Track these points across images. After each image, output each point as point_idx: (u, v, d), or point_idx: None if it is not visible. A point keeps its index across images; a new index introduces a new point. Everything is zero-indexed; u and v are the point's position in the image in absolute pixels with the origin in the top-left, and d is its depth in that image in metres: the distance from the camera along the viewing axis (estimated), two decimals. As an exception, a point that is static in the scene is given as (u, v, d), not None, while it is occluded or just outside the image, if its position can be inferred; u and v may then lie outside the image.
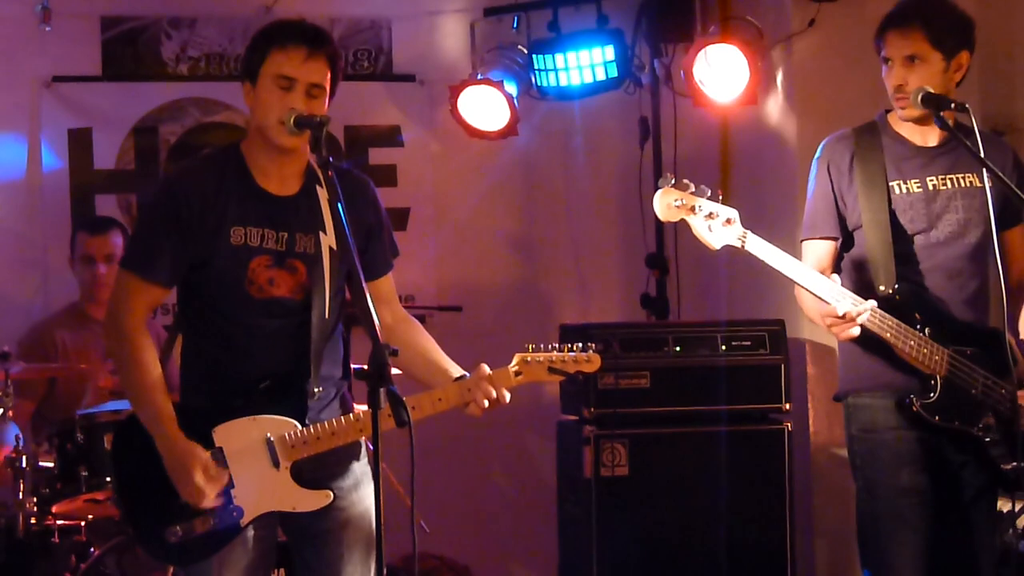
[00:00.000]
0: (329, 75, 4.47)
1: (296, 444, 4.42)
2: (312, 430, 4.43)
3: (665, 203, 4.78)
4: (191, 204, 4.48)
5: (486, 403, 4.45)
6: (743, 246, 4.81)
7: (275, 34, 4.48)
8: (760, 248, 4.82)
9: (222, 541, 4.43)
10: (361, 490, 4.54)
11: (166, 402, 4.44)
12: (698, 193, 4.77)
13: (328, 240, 4.49)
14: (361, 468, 4.57)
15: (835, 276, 4.97)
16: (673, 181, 4.80)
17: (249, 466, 4.42)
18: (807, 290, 4.89)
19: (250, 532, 4.47)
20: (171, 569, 5.88)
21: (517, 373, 4.51)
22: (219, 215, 4.45)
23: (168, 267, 4.52)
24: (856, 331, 4.90)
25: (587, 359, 4.56)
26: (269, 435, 4.41)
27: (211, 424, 4.42)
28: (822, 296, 4.87)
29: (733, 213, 4.80)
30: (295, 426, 4.43)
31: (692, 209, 4.78)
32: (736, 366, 6.97)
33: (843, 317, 4.84)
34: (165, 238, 4.51)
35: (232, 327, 4.51)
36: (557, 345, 4.57)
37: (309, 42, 4.42)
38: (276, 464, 4.42)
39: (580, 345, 4.59)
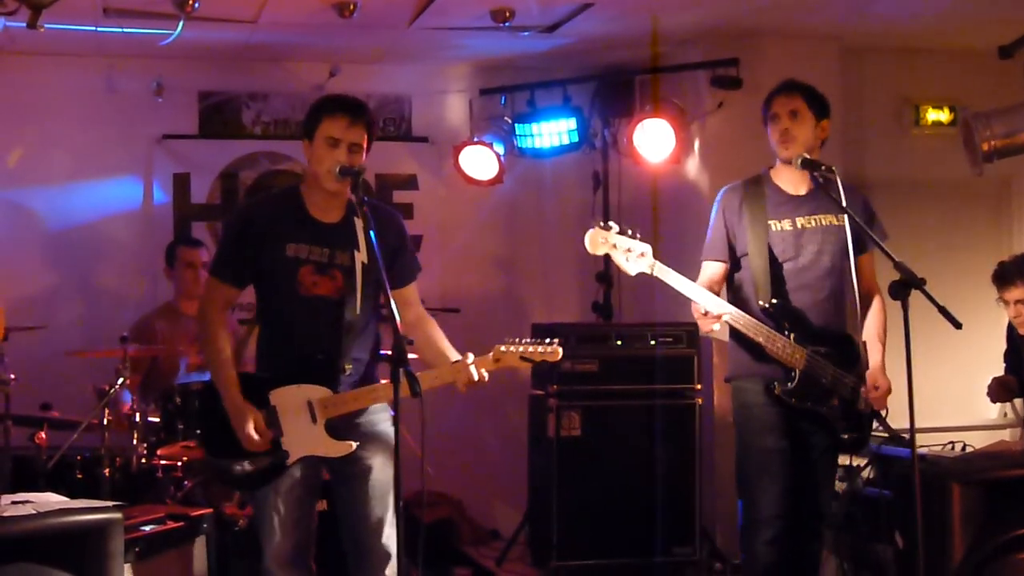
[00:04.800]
0: (366, 136, 4.52)
1: (328, 406, 4.49)
2: (340, 396, 4.51)
3: (593, 241, 4.84)
4: (257, 225, 4.60)
5: (468, 383, 4.46)
6: (652, 272, 4.88)
7: (326, 105, 4.55)
8: (665, 274, 4.89)
9: (275, 474, 4.52)
10: (381, 446, 4.56)
11: (232, 372, 4.56)
12: (620, 233, 4.83)
13: (361, 256, 4.54)
14: (383, 429, 4.59)
15: (700, 286, 5.04)
16: (601, 224, 4.86)
17: (294, 421, 4.51)
18: (695, 300, 4.96)
19: (297, 470, 4.55)
20: (236, 497, 5.95)
21: (496, 360, 4.50)
22: (278, 235, 4.54)
23: (239, 272, 4.64)
24: (717, 326, 4.99)
25: (551, 351, 4.52)
26: (309, 398, 4.50)
27: (270, 389, 4.53)
28: (705, 305, 4.94)
29: (646, 248, 4.86)
30: (328, 392, 4.51)
31: (613, 246, 4.84)
32: (661, 356, 7.00)
33: (706, 314, 4.93)
34: (236, 250, 4.64)
35: (287, 316, 4.60)
36: (529, 339, 4.52)
37: (351, 112, 4.50)
38: (314, 420, 4.50)
39: (547, 340, 4.54)
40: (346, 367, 4.55)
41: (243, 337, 5.27)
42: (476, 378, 4.46)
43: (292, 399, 4.52)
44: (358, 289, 4.56)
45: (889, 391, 5.19)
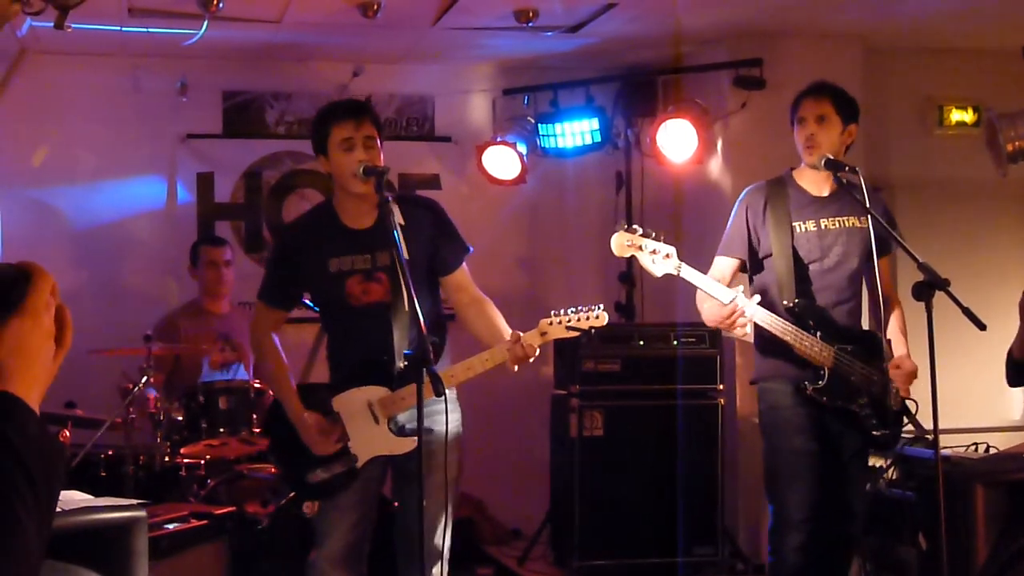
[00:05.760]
0: (375, 130, 4.57)
1: (387, 404, 4.54)
2: (397, 393, 4.54)
3: (619, 243, 4.83)
4: (295, 247, 4.70)
5: (519, 359, 4.47)
6: (679, 274, 4.87)
7: (329, 115, 4.62)
8: (691, 275, 4.89)
9: (347, 481, 4.59)
10: (438, 446, 4.54)
11: (290, 386, 4.68)
12: (645, 235, 4.82)
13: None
14: (441, 430, 4.57)
15: (756, 297, 5.01)
16: (626, 226, 4.85)
17: (358, 424, 4.57)
18: (718, 299, 4.93)
19: (364, 472, 4.60)
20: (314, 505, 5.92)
21: (543, 333, 4.50)
22: (319, 254, 4.61)
23: (285, 296, 4.80)
24: (750, 328, 5.01)
25: (596, 316, 4.50)
26: (369, 400, 4.55)
27: (333, 395, 4.60)
28: (735, 302, 4.91)
29: (672, 250, 4.85)
30: (386, 391, 4.55)
31: (639, 248, 4.82)
32: (684, 356, 7.01)
33: (731, 313, 4.91)
34: (280, 276, 4.76)
35: (343, 327, 4.70)
36: (574, 308, 4.51)
37: (354, 113, 4.57)
38: (376, 420, 4.56)
39: (590, 307, 4.51)
40: (400, 365, 4.57)
41: (313, 345, 5.41)
42: (524, 354, 4.46)
43: (353, 403, 4.58)
44: (403, 286, 4.57)
45: (914, 373, 5.16)
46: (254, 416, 6.19)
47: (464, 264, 4.81)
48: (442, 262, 4.72)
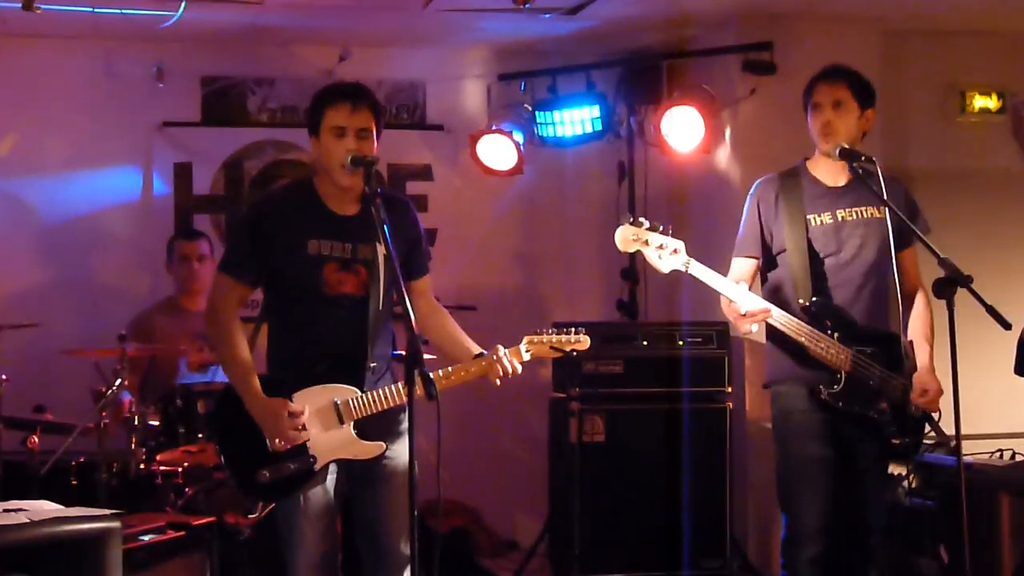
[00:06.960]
0: (373, 121, 4.54)
1: (356, 407, 4.52)
2: (368, 396, 4.53)
3: (623, 237, 4.85)
4: (273, 221, 4.60)
5: (502, 375, 4.58)
6: (687, 270, 4.88)
7: (326, 95, 4.58)
8: (700, 271, 4.89)
9: (301, 480, 4.52)
10: (404, 446, 4.54)
11: (252, 369, 4.56)
12: (651, 229, 4.83)
13: (382, 249, 4.55)
14: (403, 429, 4.56)
15: (742, 284, 5.01)
16: (631, 219, 4.86)
17: (321, 423, 4.52)
18: (732, 300, 4.95)
19: (328, 475, 4.57)
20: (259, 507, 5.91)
21: (527, 350, 4.63)
22: (296, 232, 4.55)
23: (253, 270, 4.64)
24: (755, 327, 5.04)
25: (579, 340, 4.69)
26: (336, 399, 4.52)
27: (292, 391, 4.52)
28: (743, 305, 4.94)
29: (679, 244, 4.85)
30: (356, 392, 4.53)
31: (645, 242, 4.84)
32: (690, 357, 7.01)
33: (744, 315, 4.94)
34: (251, 247, 4.63)
35: (310, 317, 4.59)
36: (555, 331, 4.70)
37: (352, 98, 4.53)
38: (341, 422, 4.52)
39: (574, 329, 4.71)
40: (371, 364, 4.57)
41: (250, 336, 5.28)
42: (511, 370, 4.57)
43: (317, 401, 4.54)
44: (380, 282, 4.60)
45: (940, 393, 5.14)
46: (235, 421, 6.17)
47: (428, 272, 4.88)
48: (413, 266, 4.73)
